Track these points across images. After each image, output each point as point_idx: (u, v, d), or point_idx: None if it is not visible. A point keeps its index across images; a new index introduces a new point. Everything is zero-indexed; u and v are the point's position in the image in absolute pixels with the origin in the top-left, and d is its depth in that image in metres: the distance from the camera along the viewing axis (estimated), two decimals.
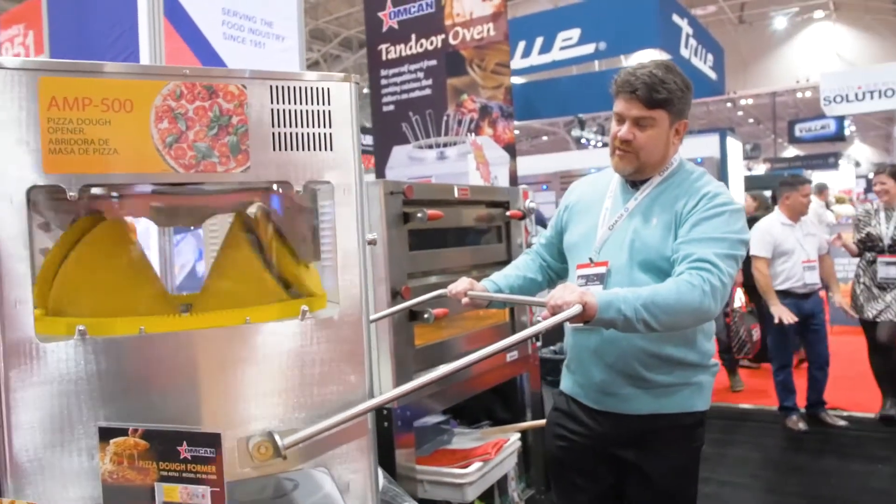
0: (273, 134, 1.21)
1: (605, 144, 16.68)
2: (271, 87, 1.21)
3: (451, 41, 4.74)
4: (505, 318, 2.95)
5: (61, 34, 3.30)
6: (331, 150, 1.26)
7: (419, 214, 2.27)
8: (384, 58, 4.95)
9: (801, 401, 4.69)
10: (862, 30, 20.38)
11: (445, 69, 4.78)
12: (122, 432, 1.06)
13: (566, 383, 1.93)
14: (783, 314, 4.29)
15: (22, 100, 1.05)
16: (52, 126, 1.07)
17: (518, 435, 2.69)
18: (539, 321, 3.11)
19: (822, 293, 4.68)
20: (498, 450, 2.47)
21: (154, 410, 1.12)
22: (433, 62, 4.74)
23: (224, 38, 3.18)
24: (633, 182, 1.82)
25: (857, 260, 4.76)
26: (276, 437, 1.17)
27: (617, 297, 1.51)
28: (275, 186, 1.41)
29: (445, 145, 4.54)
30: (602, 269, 1.76)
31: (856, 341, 6.74)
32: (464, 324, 2.73)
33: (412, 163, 4.62)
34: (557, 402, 1.96)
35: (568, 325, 1.86)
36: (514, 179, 4.51)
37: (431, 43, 4.76)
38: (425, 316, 2.28)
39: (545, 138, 24.88)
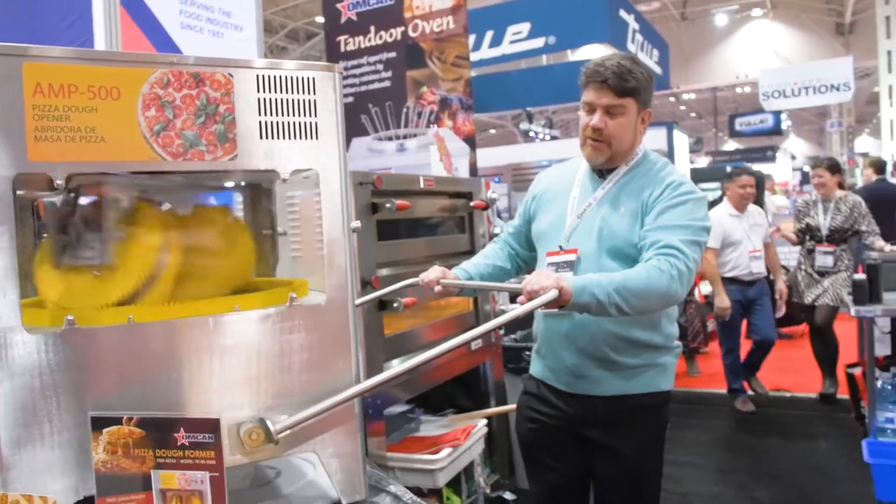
0: (259, 122, 1.22)
1: (553, 138, 16.91)
2: (257, 75, 1.22)
3: (411, 33, 4.75)
4: (469, 307, 3.00)
5: (10, 19, 3.18)
6: (316, 138, 1.27)
7: (388, 205, 2.29)
8: (343, 49, 4.92)
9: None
10: (798, 28, 21.14)
11: (405, 61, 4.78)
12: (116, 421, 1.05)
13: (536, 368, 1.98)
14: (721, 311, 4.52)
15: (6, 86, 1.04)
16: (38, 113, 1.06)
17: (485, 421, 2.74)
18: (503, 310, 3.16)
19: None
20: (467, 435, 2.52)
21: (143, 399, 1.12)
22: (392, 54, 4.74)
23: (182, 28, 3.12)
24: (601, 171, 1.88)
25: (797, 248, 4.99)
26: (269, 423, 1.18)
27: (590, 282, 1.56)
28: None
29: (405, 137, 4.55)
30: (572, 257, 1.81)
31: (798, 327, 7.05)
32: (429, 313, 2.76)
33: (372, 154, 4.61)
34: (528, 386, 2.01)
35: (539, 311, 1.90)
36: (474, 171, 4.56)
37: (391, 35, 4.75)
38: (395, 305, 2.30)
39: (493, 131, 25.06)
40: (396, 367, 1.34)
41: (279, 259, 1.72)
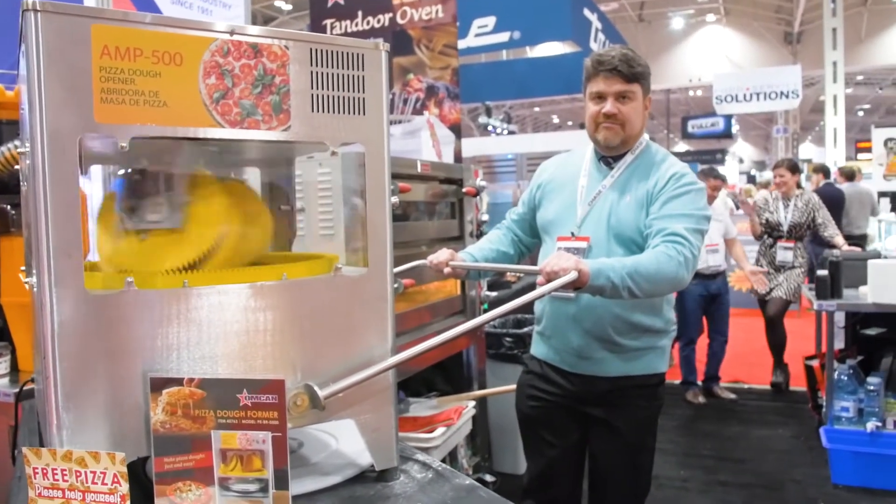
0: (312, 95, 1.24)
1: (511, 132, 17.06)
2: (311, 49, 1.24)
3: (399, 20, 4.73)
4: (456, 292, 3.05)
5: None
6: (363, 114, 1.30)
7: (391, 187, 2.32)
8: (329, 33, 4.89)
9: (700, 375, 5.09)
10: (749, 35, 21.79)
11: (392, 48, 4.74)
12: (177, 382, 1.07)
13: (540, 349, 2.05)
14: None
15: (74, 46, 1.04)
16: (104, 75, 1.06)
17: (473, 403, 2.80)
18: (488, 295, 3.21)
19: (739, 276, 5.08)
20: (459, 416, 2.57)
21: (195, 363, 1.14)
22: (379, 40, 4.70)
23: (172, 3, 3.08)
24: (608, 161, 1.95)
25: (745, 247, 5.22)
26: (316, 389, 1.21)
27: (606, 266, 1.63)
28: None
29: (391, 123, 4.52)
30: (583, 244, 1.88)
31: (751, 322, 7.32)
32: (417, 297, 2.80)
33: None
34: (530, 366, 2.08)
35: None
36: (458, 158, 4.59)
37: (378, 21, 4.74)
38: (395, 286, 2.33)
39: None
40: (430, 341, 1.37)
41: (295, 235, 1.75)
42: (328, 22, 4.89)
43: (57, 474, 1.03)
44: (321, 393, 1.22)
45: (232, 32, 1.16)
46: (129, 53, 1.08)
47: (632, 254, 1.82)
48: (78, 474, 1.02)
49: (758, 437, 4.19)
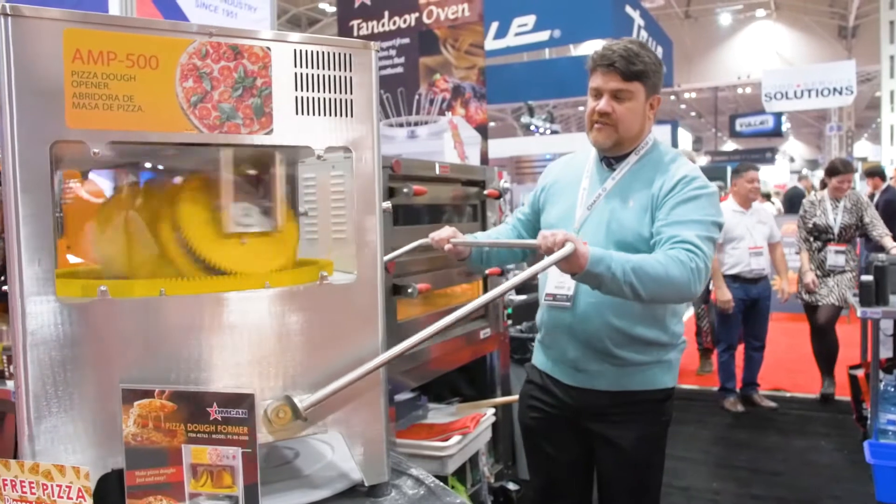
0: (296, 98, 1.20)
1: (554, 132, 16.89)
2: (295, 50, 1.20)
3: (425, 20, 4.71)
4: (478, 296, 2.99)
5: None
6: (351, 116, 1.26)
7: (405, 189, 2.27)
8: (356, 34, 4.88)
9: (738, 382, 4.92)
10: (800, 30, 21.15)
11: (418, 48, 4.75)
12: (148, 394, 1.04)
13: (539, 358, 1.97)
14: (723, 303, 4.51)
15: (45, 51, 1.02)
16: (77, 80, 1.04)
17: (493, 410, 2.74)
18: (511, 300, 3.14)
19: (778, 282, 4.89)
20: (476, 424, 2.51)
21: (169, 374, 1.11)
22: (406, 40, 4.71)
23: (196, 6, 3.09)
24: (609, 162, 1.85)
25: (791, 249, 5.01)
26: (295, 400, 1.17)
27: (608, 255, 1.52)
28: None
29: (416, 124, 4.52)
30: None
31: (795, 327, 7.08)
32: (440, 301, 2.76)
33: (383, 141, 4.53)
34: (531, 375, 2.00)
35: (543, 302, 1.89)
36: (485, 160, 4.53)
37: (405, 21, 4.71)
38: (409, 290, 2.29)
39: (492, 124, 25.00)
40: (422, 332, 1.31)
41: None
42: (355, 23, 4.88)
43: (25, 486, 1.01)
44: (300, 404, 1.18)
45: (210, 34, 1.13)
46: (103, 57, 1.06)
47: None
48: (45, 487, 1.00)
49: (797, 448, 4.02)
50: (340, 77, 1.24)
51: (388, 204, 1.34)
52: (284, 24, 19.65)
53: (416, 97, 4.74)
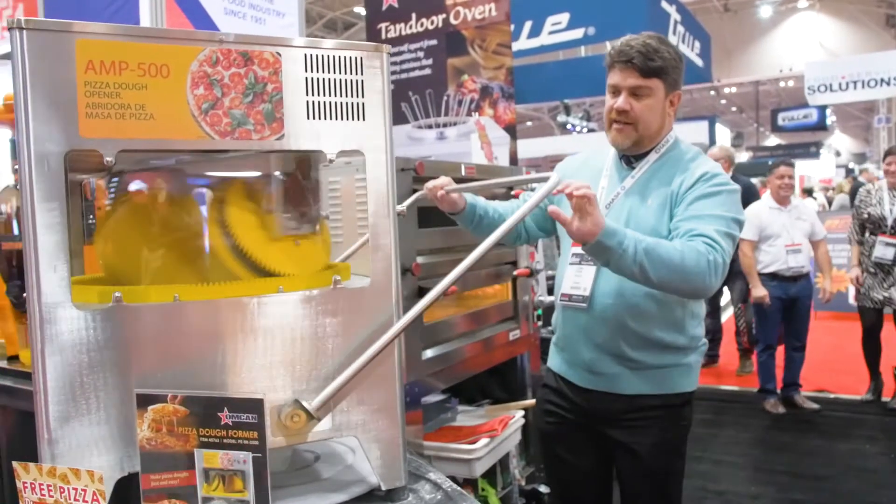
0: (307, 102, 1.21)
1: (591, 130, 16.73)
2: (305, 55, 1.20)
3: (452, 21, 4.72)
4: (507, 297, 2.97)
5: (59, 5, 3.24)
6: (363, 119, 1.26)
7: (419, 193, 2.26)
8: (384, 37, 4.91)
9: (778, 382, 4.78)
10: (845, 20, 20.57)
11: (446, 49, 4.75)
12: (161, 399, 1.05)
13: (554, 361, 1.93)
14: (761, 297, 4.39)
15: (59, 62, 1.04)
16: (89, 90, 1.06)
17: (522, 412, 2.71)
18: (541, 301, 3.11)
19: (820, 279, 4.74)
20: (504, 426, 2.49)
21: (187, 379, 1.12)
22: (433, 42, 4.71)
23: (225, 14, 3.14)
24: (629, 160, 1.81)
25: (835, 246, 4.83)
26: (304, 403, 1.17)
27: (623, 230, 1.49)
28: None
29: (445, 125, 4.52)
30: None
31: (841, 326, 6.88)
32: (468, 303, 2.74)
33: (412, 143, 4.59)
34: (546, 379, 1.97)
35: (559, 303, 1.84)
36: (514, 160, 4.51)
37: (432, 22, 4.72)
38: None
39: (529, 124, 24.90)
40: (431, 292, 1.26)
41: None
42: (383, 25, 4.91)
43: (44, 489, 1.03)
44: (309, 405, 1.18)
45: (220, 41, 1.14)
46: (115, 67, 1.07)
47: None
48: (62, 490, 1.02)
49: (840, 452, 3.89)
50: (351, 80, 1.24)
51: (402, 207, 1.34)
52: (321, 29, 19.86)
53: (445, 98, 4.74)
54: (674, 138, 1.80)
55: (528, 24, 10.38)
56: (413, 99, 4.82)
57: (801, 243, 4.50)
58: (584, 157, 1.98)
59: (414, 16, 4.76)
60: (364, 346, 1.26)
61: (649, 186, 1.74)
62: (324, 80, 1.22)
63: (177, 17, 2.92)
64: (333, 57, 1.23)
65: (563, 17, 10.04)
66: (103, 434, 1.08)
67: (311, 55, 1.21)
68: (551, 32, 10.09)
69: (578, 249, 1.78)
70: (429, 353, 2.34)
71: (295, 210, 1.34)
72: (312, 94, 1.21)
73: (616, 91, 1.73)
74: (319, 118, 1.22)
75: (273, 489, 1.34)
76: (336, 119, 1.23)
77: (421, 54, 4.77)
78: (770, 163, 5.17)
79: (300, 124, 1.20)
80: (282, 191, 1.36)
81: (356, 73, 1.25)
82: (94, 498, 1.00)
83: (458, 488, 1.36)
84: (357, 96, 1.25)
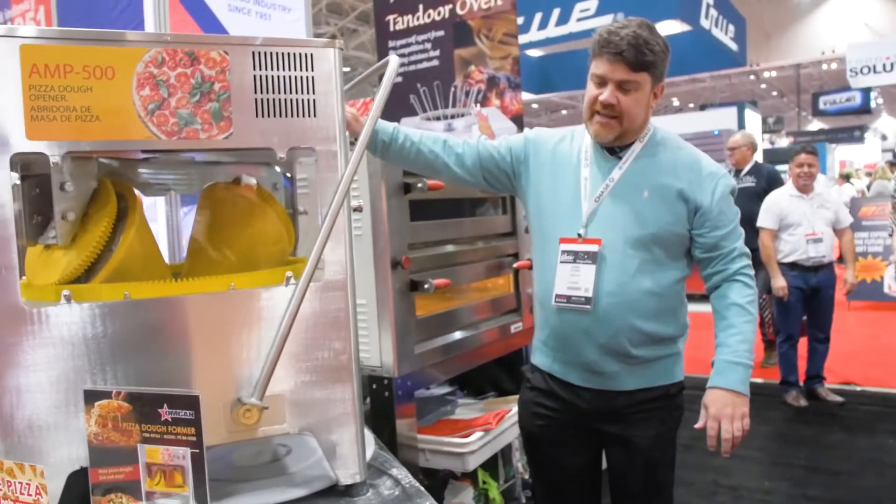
0: (256, 100, 1.21)
1: None
2: (253, 53, 1.21)
3: (459, 11, 4.70)
4: (509, 290, 2.95)
5: (70, 7, 3.31)
6: (314, 116, 1.26)
7: (419, 185, 2.26)
8: (392, 29, 4.90)
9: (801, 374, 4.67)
10: None
11: (453, 40, 4.74)
12: (107, 395, 1.08)
13: (543, 360, 1.85)
14: (778, 290, 4.32)
15: (3, 67, 1.06)
16: (34, 93, 1.08)
17: None
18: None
19: (841, 269, 4.60)
20: (499, 420, 2.48)
21: (140, 376, 1.14)
22: (441, 33, 4.69)
23: (229, 10, 3.16)
24: (611, 149, 1.74)
25: (871, 233, 4.68)
26: (241, 398, 1.19)
27: (732, 366, 1.69)
28: None
29: (453, 117, 4.51)
30: (594, 248, 1.68)
31: (877, 316, 6.67)
32: (466, 295, 2.73)
33: None
34: (534, 381, 1.88)
35: (552, 304, 1.73)
36: None
37: (439, 13, 4.71)
38: (425, 286, 2.28)
39: (564, 112, 24.63)
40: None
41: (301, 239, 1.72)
42: (391, 18, 4.90)
43: None
44: (249, 399, 1.19)
45: (166, 42, 1.15)
46: (60, 70, 1.09)
47: (651, 257, 1.66)
48: (9, 484, 1.05)
49: (861, 446, 3.78)
50: (302, 77, 1.25)
51: (358, 203, 1.34)
52: (353, 21, 19.85)
53: (452, 90, 4.72)
54: (652, 126, 1.76)
55: (556, 12, 10.25)
56: (421, 91, 4.81)
57: (823, 232, 4.37)
58: (557, 138, 1.83)
59: (421, 7, 4.74)
60: (320, 342, 1.27)
61: (641, 177, 1.69)
62: (273, 77, 1.22)
63: (180, 15, 2.96)
64: (281, 54, 1.23)
65: (592, 4, 9.91)
66: (57, 429, 1.11)
67: (258, 53, 1.21)
68: (580, 19, 9.97)
69: (570, 246, 1.71)
70: (424, 347, 2.34)
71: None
72: (261, 92, 1.22)
73: (602, 82, 1.66)
74: (269, 116, 1.22)
75: (236, 482, 1.38)
76: (286, 116, 1.24)
77: (428, 45, 4.75)
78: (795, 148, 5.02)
79: (249, 122, 1.21)
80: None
81: (307, 70, 1.25)
82: (38, 492, 1.03)
83: (418, 485, 1.36)
84: (308, 93, 1.25)
